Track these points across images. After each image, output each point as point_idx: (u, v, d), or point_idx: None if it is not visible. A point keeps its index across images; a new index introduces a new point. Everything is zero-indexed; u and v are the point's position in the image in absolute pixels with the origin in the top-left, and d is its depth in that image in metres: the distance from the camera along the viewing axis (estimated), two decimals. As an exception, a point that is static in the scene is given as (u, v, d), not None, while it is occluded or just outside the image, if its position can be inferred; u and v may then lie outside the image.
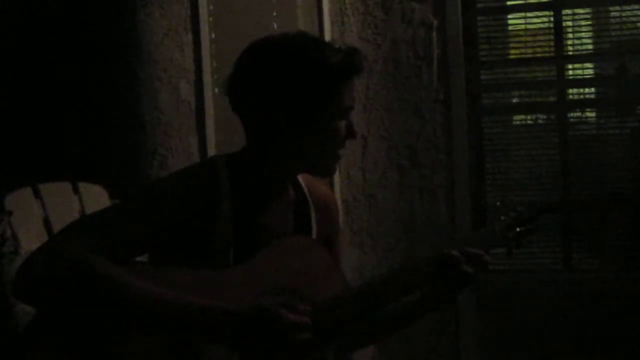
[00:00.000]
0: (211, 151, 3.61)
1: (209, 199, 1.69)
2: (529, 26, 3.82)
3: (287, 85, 1.68)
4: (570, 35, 3.76)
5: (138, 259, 1.68)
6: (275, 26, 3.57)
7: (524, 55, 3.84)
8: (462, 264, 1.76)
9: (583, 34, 3.78)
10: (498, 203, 1.93)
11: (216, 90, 3.62)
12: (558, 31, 3.69)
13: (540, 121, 3.91)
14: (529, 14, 3.79)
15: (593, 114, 3.86)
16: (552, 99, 3.78)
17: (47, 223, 3.06)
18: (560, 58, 3.71)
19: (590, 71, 3.83)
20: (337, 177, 3.69)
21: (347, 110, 1.73)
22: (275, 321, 1.58)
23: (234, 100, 1.76)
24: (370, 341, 1.98)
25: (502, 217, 1.88)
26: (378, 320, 1.88)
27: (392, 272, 1.82)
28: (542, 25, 3.79)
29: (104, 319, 1.57)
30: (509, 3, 3.85)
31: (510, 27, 3.89)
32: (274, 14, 3.58)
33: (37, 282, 1.53)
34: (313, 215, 1.86)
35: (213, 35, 3.62)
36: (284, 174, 1.78)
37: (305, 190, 1.86)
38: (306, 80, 1.68)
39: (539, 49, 3.80)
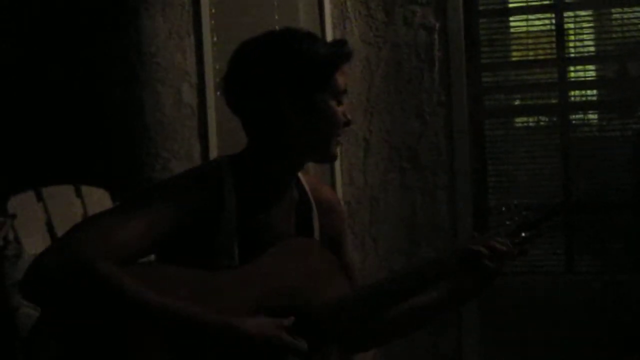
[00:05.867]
0: (213, 154, 3.61)
1: (214, 199, 1.70)
2: (530, 28, 3.82)
3: (281, 73, 1.72)
4: (572, 38, 3.76)
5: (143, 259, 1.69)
6: (277, 29, 3.57)
7: (525, 58, 3.84)
8: (485, 259, 1.79)
9: (585, 36, 3.78)
10: (504, 208, 1.93)
11: (218, 93, 3.62)
12: (560, 33, 3.69)
13: (542, 123, 3.91)
14: (530, 16, 3.79)
15: (595, 116, 3.86)
16: (554, 101, 3.78)
17: (50, 226, 3.05)
18: (562, 60, 3.72)
19: (592, 73, 3.83)
20: (338, 180, 3.70)
21: (341, 94, 1.77)
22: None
23: (231, 99, 1.79)
24: (392, 338, 2.01)
25: (508, 222, 1.89)
26: (399, 316, 1.90)
27: (415, 266, 1.86)
28: (543, 28, 3.79)
29: (108, 319, 1.58)
30: (510, 5, 3.85)
31: (512, 30, 3.89)
32: (276, 17, 3.58)
33: (45, 282, 1.53)
34: (315, 216, 1.88)
35: (215, 39, 3.62)
36: (286, 167, 1.80)
37: (308, 191, 1.89)
38: (299, 64, 1.72)
39: (540, 51, 3.80)
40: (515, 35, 3.89)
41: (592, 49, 3.80)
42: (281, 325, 1.65)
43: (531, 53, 3.83)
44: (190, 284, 1.64)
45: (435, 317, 1.94)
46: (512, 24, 3.87)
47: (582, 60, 3.80)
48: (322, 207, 1.90)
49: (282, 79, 1.71)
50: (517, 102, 3.94)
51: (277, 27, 3.62)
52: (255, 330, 1.61)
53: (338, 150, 1.81)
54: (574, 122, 3.79)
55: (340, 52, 1.76)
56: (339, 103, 1.77)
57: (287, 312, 1.69)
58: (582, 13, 3.77)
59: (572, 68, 3.77)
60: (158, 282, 1.60)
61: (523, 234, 1.87)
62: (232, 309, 1.64)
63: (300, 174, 1.89)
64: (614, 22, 3.78)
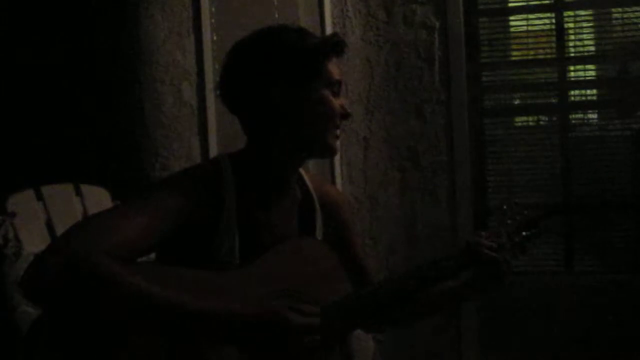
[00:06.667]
0: (213, 153, 3.61)
1: (214, 196, 1.70)
2: (530, 28, 3.82)
3: (271, 66, 1.73)
4: (572, 37, 3.76)
5: (143, 259, 1.68)
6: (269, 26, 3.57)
7: (525, 57, 3.84)
8: (485, 255, 1.82)
9: (585, 36, 3.78)
10: (505, 206, 1.93)
11: (218, 92, 3.62)
12: (560, 33, 3.69)
13: (541, 123, 3.91)
14: (530, 16, 3.78)
15: (594, 116, 3.85)
16: (553, 100, 3.78)
17: (49, 225, 3.06)
18: (562, 60, 3.71)
19: (592, 73, 3.82)
20: (338, 179, 3.70)
21: (335, 84, 1.77)
22: (285, 324, 1.60)
23: (227, 97, 1.80)
24: (418, 318, 2.07)
25: (509, 221, 1.89)
26: (421, 303, 1.94)
27: (415, 266, 1.87)
28: (543, 27, 3.78)
29: (111, 319, 1.56)
30: (510, 5, 3.84)
31: (511, 29, 3.88)
32: (276, 15, 3.58)
33: (45, 281, 1.51)
34: (318, 215, 1.88)
35: (215, 37, 3.62)
36: (286, 164, 1.80)
37: (312, 190, 1.89)
38: (288, 55, 1.73)
39: (540, 51, 3.80)
40: (515, 35, 3.88)
41: (592, 48, 3.79)
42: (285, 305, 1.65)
43: (531, 52, 3.82)
44: (192, 284, 1.63)
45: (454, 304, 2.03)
46: (512, 23, 3.86)
47: (582, 59, 3.79)
48: (327, 206, 1.91)
49: (273, 73, 1.73)
50: (516, 102, 3.94)
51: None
52: (262, 311, 1.61)
53: (337, 144, 1.80)
54: (573, 121, 3.79)
55: (329, 41, 1.77)
56: (334, 94, 1.77)
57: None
58: (582, 13, 3.76)
59: (572, 68, 3.77)
60: (159, 282, 1.58)
61: (524, 233, 1.88)
62: None
63: (304, 173, 1.89)
64: (614, 22, 3.77)
